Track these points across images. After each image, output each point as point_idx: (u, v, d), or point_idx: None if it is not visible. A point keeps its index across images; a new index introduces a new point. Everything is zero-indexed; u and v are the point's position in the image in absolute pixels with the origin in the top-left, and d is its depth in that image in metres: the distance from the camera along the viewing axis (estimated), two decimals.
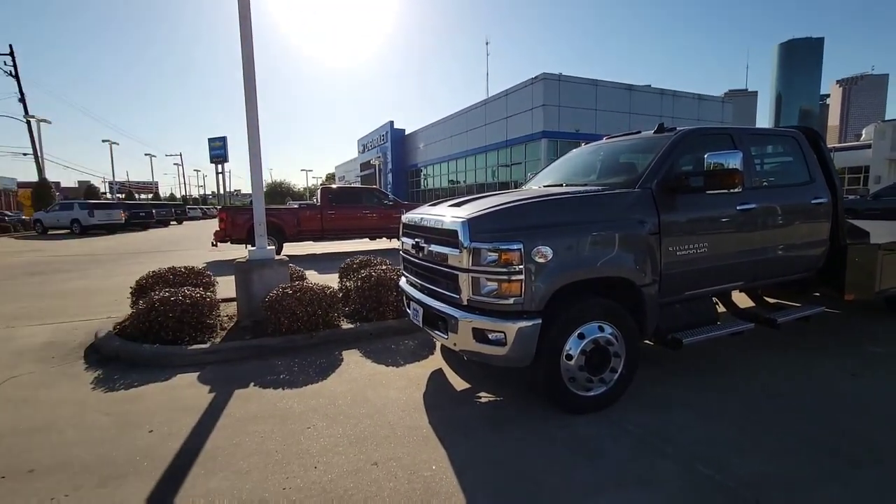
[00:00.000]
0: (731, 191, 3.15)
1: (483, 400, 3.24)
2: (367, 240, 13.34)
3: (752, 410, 2.96)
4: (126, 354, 4.09)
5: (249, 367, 3.87)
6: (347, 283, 5.55)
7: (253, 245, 5.18)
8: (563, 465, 2.39)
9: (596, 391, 2.97)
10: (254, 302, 4.83)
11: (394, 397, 3.26)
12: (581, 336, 2.87)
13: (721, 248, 3.44)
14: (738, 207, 3.48)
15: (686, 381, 3.45)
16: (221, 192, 58.43)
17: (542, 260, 2.71)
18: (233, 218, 11.12)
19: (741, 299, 4.37)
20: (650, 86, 32.20)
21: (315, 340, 4.35)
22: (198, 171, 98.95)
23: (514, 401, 3.18)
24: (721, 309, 4.08)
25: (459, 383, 3.53)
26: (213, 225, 12.31)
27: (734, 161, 3.03)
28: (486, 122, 33.65)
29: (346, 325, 4.70)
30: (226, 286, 6.01)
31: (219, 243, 11.41)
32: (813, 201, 3.94)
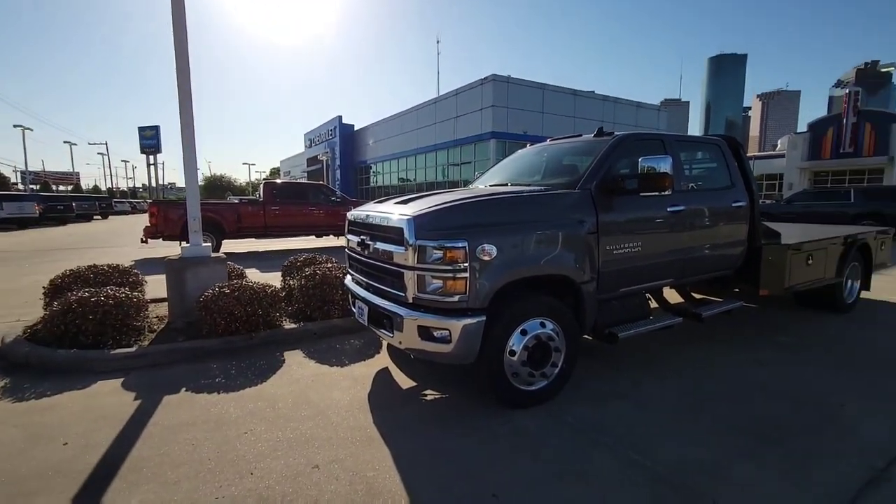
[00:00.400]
0: (662, 193, 3.36)
1: (429, 398, 3.24)
2: (313, 237, 12.97)
3: (678, 399, 3.17)
4: (37, 361, 3.71)
5: (181, 372, 3.64)
6: (291, 282, 5.36)
7: (187, 241, 4.87)
8: (506, 461, 2.44)
9: (538, 385, 3.06)
10: (187, 302, 4.54)
11: (338, 398, 3.18)
12: (524, 332, 2.94)
13: (654, 247, 3.64)
14: (668, 209, 3.70)
15: (620, 373, 3.63)
16: (153, 184, 54.57)
17: (486, 258, 2.75)
18: (165, 212, 10.40)
19: (671, 295, 4.68)
20: (594, 92, 33.59)
21: (255, 341, 4.16)
22: (126, 161, 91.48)
23: (459, 398, 3.21)
24: (654, 305, 4.35)
25: (406, 382, 3.51)
26: (144, 220, 11.46)
27: (665, 165, 3.23)
28: (436, 120, 33.70)
29: (288, 325, 4.54)
30: (157, 286, 5.61)
31: (149, 240, 10.65)
32: (733, 204, 4.27)
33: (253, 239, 12.40)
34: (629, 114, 34.47)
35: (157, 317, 4.83)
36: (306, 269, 5.12)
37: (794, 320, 5.11)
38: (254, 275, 7.72)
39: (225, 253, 6.41)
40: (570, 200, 3.27)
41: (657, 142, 3.95)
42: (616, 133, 3.88)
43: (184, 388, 3.32)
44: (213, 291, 4.24)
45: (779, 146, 39.97)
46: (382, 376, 3.61)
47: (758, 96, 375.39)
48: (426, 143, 34.91)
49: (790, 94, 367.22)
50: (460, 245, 2.70)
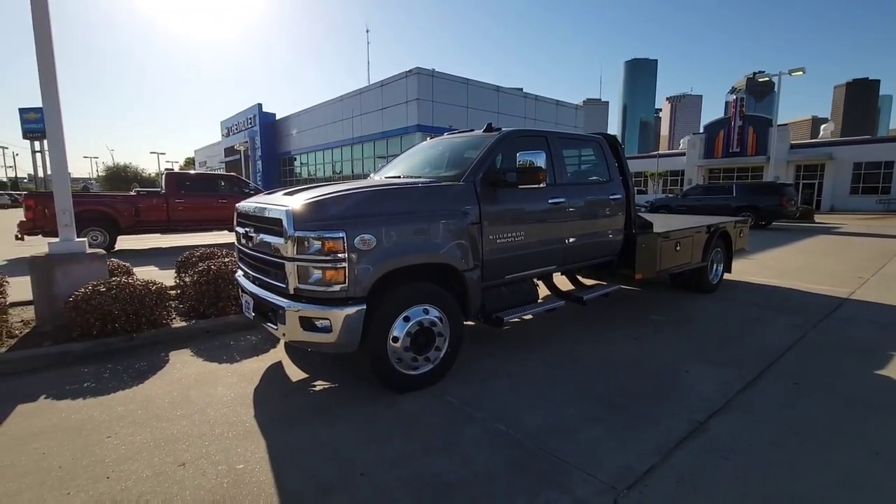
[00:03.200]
0: (538, 186, 3.60)
1: (317, 388, 3.26)
2: (226, 232, 12.27)
3: (553, 374, 3.46)
4: None
5: (43, 378, 3.34)
6: (185, 278, 5.09)
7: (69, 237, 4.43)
8: (380, 442, 2.54)
9: (423, 369, 3.19)
10: (57, 303, 4.15)
11: (220, 394, 3.10)
12: (406, 319, 3.04)
13: (535, 237, 3.90)
14: (549, 201, 3.99)
15: (509, 354, 3.87)
16: (40, 174, 48.31)
17: (365, 248, 2.81)
18: (43, 205, 9.29)
19: (562, 282, 5.05)
20: (521, 89, 34.74)
21: (136, 342, 3.91)
22: (4, 148, 78.86)
23: (348, 386, 3.26)
24: (547, 291, 4.67)
25: (297, 374, 3.49)
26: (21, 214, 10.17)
27: (539, 160, 3.48)
28: (362, 111, 33.04)
29: (177, 324, 4.31)
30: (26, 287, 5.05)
31: (26, 236, 9.48)
32: (611, 197, 4.69)
33: (158, 235, 11.53)
34: (549, 111, 36.05)
35: (23, 321, 4.38)
36: (200, 265, 4.88)
37: (669, 300, 5.73)
38: (150, 272, 7.21)
39: (121, 250, 5.89)
40: (454, 192, 3.42)
41: (540, 138, 4.22)
42: (503, 129, 4.10)
43: (44, 396, 3.05)
44: (86, 290, 3.91)
45: (681, 145, 43.96)
46: (274, 371, 3.56)
47: (667, 99, 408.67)
48: (354, 135, 34.14)
49: (694, 98, 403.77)
50: (338, 235, 2.74)
